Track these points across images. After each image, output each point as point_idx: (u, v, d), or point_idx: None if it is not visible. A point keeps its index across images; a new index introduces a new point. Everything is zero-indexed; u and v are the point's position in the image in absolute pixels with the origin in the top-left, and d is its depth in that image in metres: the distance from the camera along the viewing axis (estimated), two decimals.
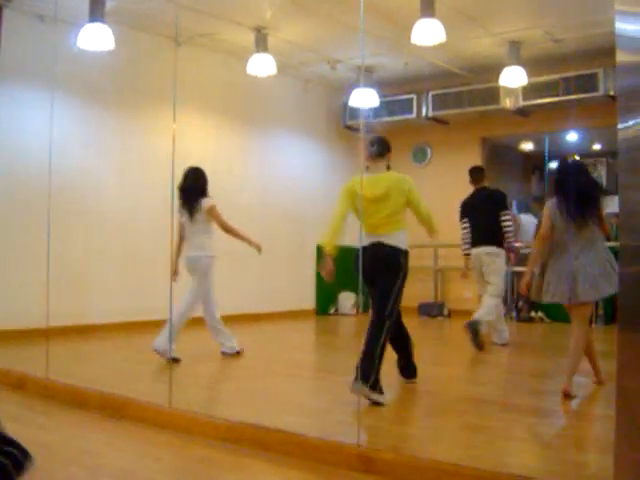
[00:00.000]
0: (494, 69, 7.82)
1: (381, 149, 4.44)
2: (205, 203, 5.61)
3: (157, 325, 5.45)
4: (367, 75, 8.66)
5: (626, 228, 2.30)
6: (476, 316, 6.28)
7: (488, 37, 7.68)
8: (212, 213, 5.62)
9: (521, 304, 8.97)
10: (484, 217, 6.58)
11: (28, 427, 3.73)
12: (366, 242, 4.24)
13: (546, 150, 10.36)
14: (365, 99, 8.47)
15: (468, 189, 6.87)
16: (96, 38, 5.96)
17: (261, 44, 7.44)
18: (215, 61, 8.32)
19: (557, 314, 8.24)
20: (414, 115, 9.55)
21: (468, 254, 6.71)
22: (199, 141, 8.17)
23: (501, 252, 6.59)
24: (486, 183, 6.81)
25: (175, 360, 5.29)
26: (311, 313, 9.75)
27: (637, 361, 2.25)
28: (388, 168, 4.45)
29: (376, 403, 4.01)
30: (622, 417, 2.26)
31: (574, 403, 4.21)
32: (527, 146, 11.21)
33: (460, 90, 9.15)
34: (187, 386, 4.70)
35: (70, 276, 6.83)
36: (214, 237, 5.74)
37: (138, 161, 7.73)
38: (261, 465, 3.21)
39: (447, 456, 3.05)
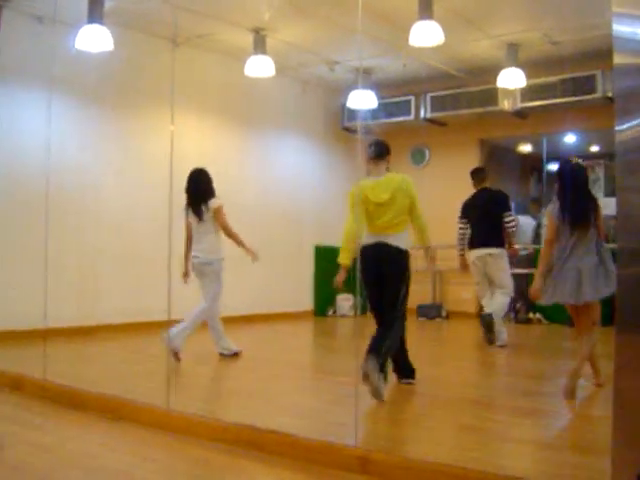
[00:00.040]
0: (492, 71, 7.82)
1: (382, 151, 4.49)
2: (213, 203, 5.68)
3: (157, 325, 5.43)
4: (365, 77, 8.65)
5: (624, 230, 2.31)
6: (489, 309, 6.27)
7: (486, 39, 7.69)
8: (218, 213, 5.69)
9: (519, 305, 8.97)
10: (486, 218, 6.57)
11: (25, 428, 3.73)
12: (369, 241, 4.29)
13: (544, 152, 10.35)
14: (363, 101, 8.46)
15: (467, 190, 6.86)
16: (94, 39, 5.95)
17: (259, 45, 7.44)
18: (213, 62, 8.31)
19: (555, 316, 8.25)
20: (412, 117, 9.55)
21: (463, 254, 6.71)
22: (197, 142, 8.15)
23: (503, 252, 6.59)
24: (488, 184, 6.82)
25: (176, 357, 5.35)
26: (309, 314, 9.72)
27: (635, 362, 2.25)
28: (387, 170, 4.50)
29: (375, 395, 4.01)
30: (619, 418, 2.26)
31: (572, 405, 4.21)
32: (525, 148, 11.20)
33: (458, 92, 9.16)
34: (185, 387, 4.70)
35: (68, 276, 6.83)
36: (222, 236, 5.77)
37: (136, 161, 7.73)
38: (258, 466, 3.20)
39: (444, 458, 3.05)
